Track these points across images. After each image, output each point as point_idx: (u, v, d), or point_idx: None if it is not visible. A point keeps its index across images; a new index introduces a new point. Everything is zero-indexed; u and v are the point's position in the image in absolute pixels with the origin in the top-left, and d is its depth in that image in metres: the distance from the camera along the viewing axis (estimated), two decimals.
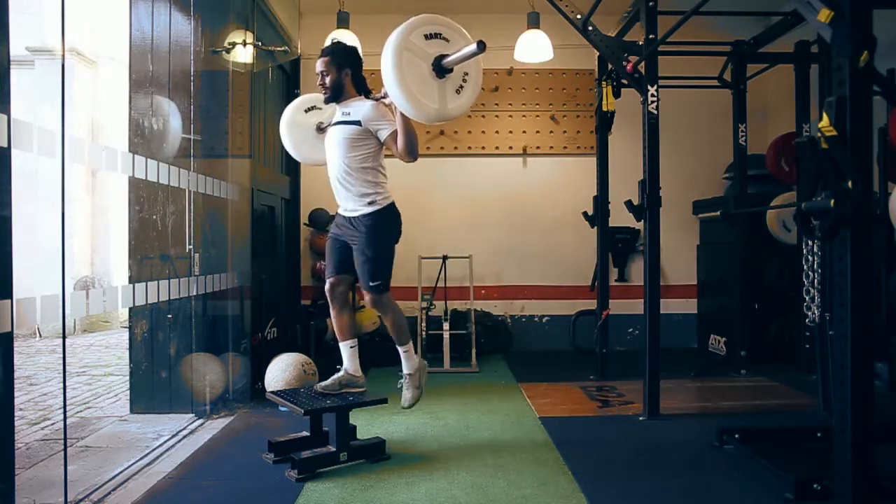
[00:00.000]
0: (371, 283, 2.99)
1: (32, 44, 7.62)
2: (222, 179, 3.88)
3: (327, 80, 3.03)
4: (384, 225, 3.01)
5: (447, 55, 2.58)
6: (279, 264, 5.17)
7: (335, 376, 3.10)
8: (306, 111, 3.36)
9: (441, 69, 2.59)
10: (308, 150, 3.36)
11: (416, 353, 3.23)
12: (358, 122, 2.96)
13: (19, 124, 1.93)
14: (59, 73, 7.20)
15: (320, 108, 3.36)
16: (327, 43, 4.92)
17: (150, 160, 3.12)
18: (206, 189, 3.68)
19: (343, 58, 3.04)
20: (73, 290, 2.47)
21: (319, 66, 3.05)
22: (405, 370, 3.18)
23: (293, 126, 3.33)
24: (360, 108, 2.99)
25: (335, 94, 3.05)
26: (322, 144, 3.24)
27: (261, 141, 4.69)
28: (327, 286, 3.12)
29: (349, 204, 3.01)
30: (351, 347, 3.13)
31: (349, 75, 3.05)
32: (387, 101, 2.88)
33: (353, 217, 3.01)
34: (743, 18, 4.88)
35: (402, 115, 2.76)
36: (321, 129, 3.31)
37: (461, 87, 2.68)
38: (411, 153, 2.89)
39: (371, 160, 2.99)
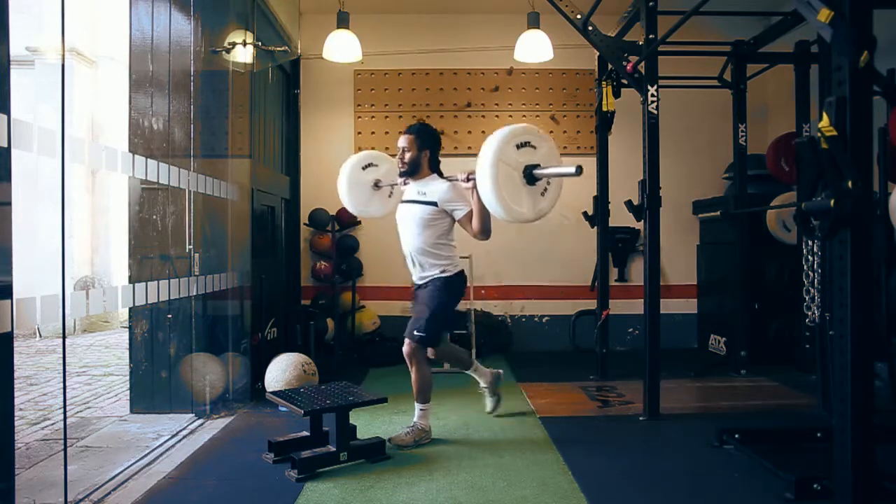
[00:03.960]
0: (416, 332, 3.14)
1: (32, 44, 7.63)
2: (222, 179, 3.88)
3: (407, 156, 3.22)
4: (451, 286, 3.20)
5: (537, 165, 2.69)
6: (279, 264, 5.17)
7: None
8: (364, 168, 3.59)
9: (531, 178, 2.70)
10: (365, 205, 3.62)
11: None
12: (434, 203, 3.14)
13: (19, 124, 1.93)
14: (59, 73, 7.19)
15: (377, 165, 3.61)
16: (327, 43, 4.99)
17: (150, 160, 3.12)
18: (206, 189, 3.68)
19: (426, 139, 3.24)
20: (73, 290, 2.47)
21: (402, 141, 3.24)
22: (416, 420, 3.21)
23: (353, 185, 3.56)
24: (436, 188, 3.16)
25: (412, 171, 3.24)
26: (378, 199, 3.60)
27: (261, 141, 4.69)
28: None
29: (423, 274, 3.21)
30: (421, 409, 3.22)
31: (428, 156, 3.23)
32: (464, 185, 3.03)
33: (427, 281, 3.20)
34: (743, 18, 4.88)
35: (479, 198, 2.86)
36: (377, 186, 3.58)
37: (545, 189, 2.79)
38: (485, 233, 3.09)
39: (445, 238, 3.20)
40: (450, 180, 3.16)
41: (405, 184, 3.34)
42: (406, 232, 3.23)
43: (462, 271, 3.28)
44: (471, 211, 3.07)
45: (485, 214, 2.99)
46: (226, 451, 3.11)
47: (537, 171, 2.68)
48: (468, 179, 2.97)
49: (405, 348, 3.19)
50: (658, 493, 2.56)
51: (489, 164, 2.60)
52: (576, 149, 5.89)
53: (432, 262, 3.18)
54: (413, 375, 3.21)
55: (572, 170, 2.54)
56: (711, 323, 5.64)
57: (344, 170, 3.56)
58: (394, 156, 3.39)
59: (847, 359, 2.11)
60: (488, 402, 3.63)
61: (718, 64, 4.89)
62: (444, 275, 3.18)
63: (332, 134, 5.82)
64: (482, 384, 3.61)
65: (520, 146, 2.67)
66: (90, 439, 3.31)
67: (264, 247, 4.64)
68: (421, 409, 3.21)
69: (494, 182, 2.60)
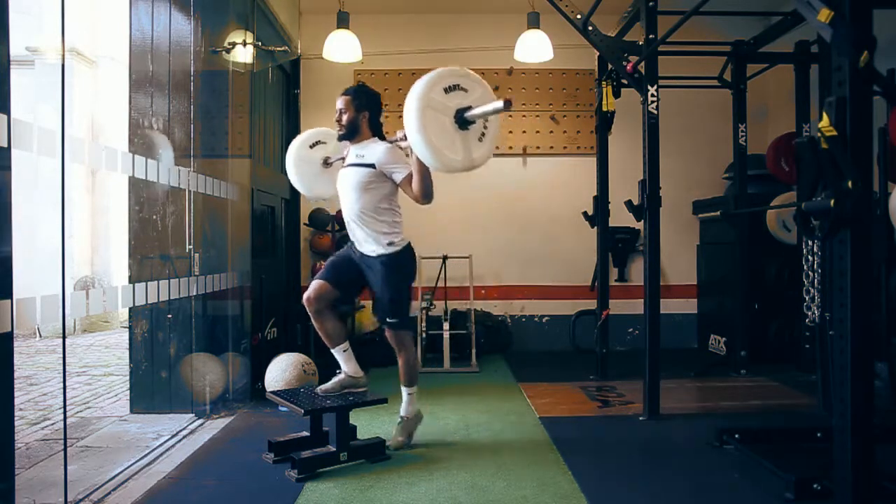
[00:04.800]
0: (390, 320, 3.06)
1: (32, 44, 7.63)
2: (222, 179, 3.88)
3: (344, 118, 3.08)
4: (402, 267, 3.06)
5: (469, 108, 2.56)
6: (279, 264, 5.17)
7: (336, 379, 3.10)
8: (311, 146, 3.41)
9: (464, 122, 2.58)
10: (315, 185, 3.43)
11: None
12: (372, 165, 2.99)
13: (19, 124, 1.93)
14: (59, 73, 7.18)
15: (325, 143, 3.42)
16: (327, 43, 4.99)
17: (150, 160, 3.12)
18: (206, 189, 3.68)
19: (364, 99, 3.09)
20: (73, 290, 2.47)
21: (340, 103, 3.09)
22: (402, 412, 3.18)
23: (300, 162, 3.38)
24: (374, 150, 3.01)
25: (350, 133, 3.09)
26: (328, 178, 3.36)
27: (261, 141, 4.69)
28: (313, 289, 3.03)
29: (367, 246, 3.05)
30: (344, 351, 3.12)
31: (366, 117, 3.09)
32: (402, 144, 2.91)
33: (372, 257, 3.04)
34: (743, 18, 4.88)
35: (417, 158, 2.74)
36: (327, 164, 3.39)
37: (483, 134, 2.66)
38: (426, 196, 2.92)
39: (386, 202, 3.03)
40: (389, 142, 3.02)
41: (347, 153, 3.18)
42: (346, 198, 3.04)
43: (409, 244, 3.08)
44: (411, 173, 2.91)
45: (425, 175, 2.85)
46: (226, 451, 3.11)
47: (468, 114, 2.55)
48: (405, 138, 2.73)
49: (389, 337, 3.11)
50: (658, 492, 2.56)
51: (414, 109, 2.46)
52: (576, 149, 5.89)
53: (376, 230, 2.99)
54: (400, 360, 3.12)
55: (500, 104, 2.41)
56: (711, 323, 5.64)
57: (290, 149, 3.37)
58: None
59: (847, 359, 2.11)
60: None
61: (718, 64, 4.89)
62: (391, 249, 2.99)
63: None
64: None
65: (448, 90, 2.54)
66: (90, 439, 3.31)
67: (264, 247, 4.64)
68: (409, 394, 3.16)
69: (422, 128, 2.46)
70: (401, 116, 2.55)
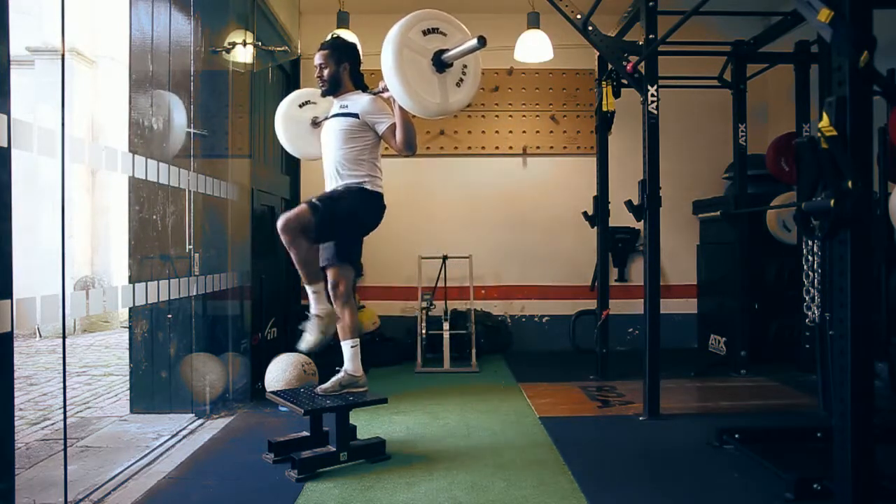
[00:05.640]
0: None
1: (32, 44, 7.62)
2: (222, 179, 3.88)
3: (325, 72, 3.05)
4: (365, 200, 2.96)
5: (447, 50, 2.59)
6: (279, 264, 5.17)
7: (335, 377, 3.08)
8: (301, 106, 3.37)
9: (441, 64, 2.60)
10: (303, 145, 3.38)
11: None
12: (356, 115, 2.97)
13: (19, 124, 1.93)
14: (59, 73, 7.19)
15: (315, 103, 3.38)
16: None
17: (150, 160, 3.12)
18: (206, 189, 3.68)
19: (342, 52, 3.07)
20: (73, 290, 2.47)
21: (318, 59, 3.06)
22: (314, 311, 2.95)
23: (288, 120, 3.35)
24: (357, 101, 3.00)
25: (333, 88, 3.07)
26: (317, 139, 3.26)
27: (261, 141, 4.69)
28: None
29: (338, 182, 2.97)
30: (352, 347, 3.08)
31: (347, 69, 3.07)
32: (385, 95, 2.88)
33: (340, 185, 2.95)
34: (743, 18, 4.88)
35: (401, 108, 2.76)
36: (316, 124, 3.34)
37: (461, 80, 2.69)
38: (409, 147, 2.90)
39: (368, 153, 3.00)
40: (373, 93, 3.01)
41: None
42: (328, 148, 3.02)
43: (381, 195, 3.01)
44: (394, 123, 2.90)
45: (407, 124, 2.86)
46: (226, 451, 3.11)
47: (445, 56, 2.58)
48: (388, 89, 2.73)
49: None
50: (658, 492, 2.56)
51: (391, 49, 2.47)
52: (576, 149, 5.89)
53: (350, 173, 2.95)
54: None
55: (475, 42, 2.44)
56: (711, 323, 5.64)
57: (280, 107, 3.35)
58: None
59: (847, 359, 2.11)
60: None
61: (718, 64, 4.89)
62: (361, 184, 2.94)
63: None
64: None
65: (427, 32, 2.56)
66: (90, 439, 3.31)
67: (264, 247, 4.64)
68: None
69: (398, 68, 2.47)
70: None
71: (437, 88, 2.61)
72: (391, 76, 2.52)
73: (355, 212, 2.97)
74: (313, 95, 3.37)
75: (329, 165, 3.03)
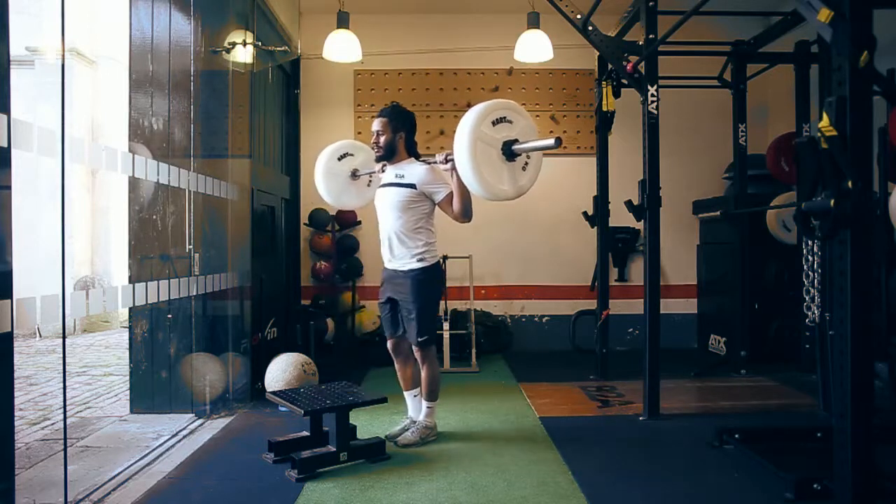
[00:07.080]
0: (419, 339, 3.12)
1: (32, 44, 7.62)
2: (222, 179, 3.88)
3: (382, 139, 3.15)
4: (430, 283, 3.14)
5: (516, 141, 2.65)
6: (279, 264, 5.17)
7: (415, 433, 3.16)
8: (339, 158, 3.51)
9: (511, 154, 2.65)
10: (343, 196, 3.55)
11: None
12: (413, 186, 3.06)
13: (19, 124, 1.93)
14: (59, 73, 7.19)
15: (353, 155, 3.53)
16: (327, 43, 4.99)
17: (150, 160, 3.12)
18: (206, 189, 3.68)
19: (399, 121, 3.16)
20: (73, 290, 2.47)
21: (376, 125, 3.17)
22: (422, 418, 3.22)
23: (328, 174, 3.49)
24: (414, 171, 3.09)
25: (388, 155, 3.17)
26: (355, 189, 3.52)
27: (261, 141, 4.69)
28: (389, 345, 3.29)
29: (399, 262, 3.13)
30: (414, 397, 3.29)
31: (403, 138, 3.17)
32: (441, 167, 2.98)
33: (402, 270, 3.12)
34: (743, 18, 4.88)
35: (458, 179, 2.82)
36: (355, 176, 3.51)
37: (526, 164, 2.75)
38: (466, 215, 3.02)
39: (424, 220, 3.12)
40: (427, 163, 3.10)
41: (383, 170, 3.27)
42: (385, 216, 3.14)
43: (439, 262, 3.22)
44: (451, 193, 3.00)
45: (465, 195, 2.94)
46: (226, 451, 3.11)
47: (516, 147, 2.63)
48: (446, 161, 2.89)
49: (416, 354, 3.18)
50: (658, 492, 2.56)
51: (466, 142, 2.55)
52: (576, 149, 5.89)
53: (408, 247, 3.09)
54: (424, 373, 3.20)
55: (552, 142, 2.50)
56: (711, 323, 5.64)
57: (319, 161, 3.47)
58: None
59: (847, 359, 2.11)
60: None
61: (718, 64, 4.89)
62: (422, 264, 3.08)
63: (333, 134, 5.75)
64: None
65: (496, 122, 2.63)
66: (90, 439, 3.31)
67: (264, 247, 4.64)
68: (428, 407, 3.22)
69: (473, 160, 2.55)
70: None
71: (507, 175, 2.68)
72: (466, 169, 2.58)
73: (429, 299, 3.15)
74: (351, 147, 3.54)
75: (386, 233, 3.15)
